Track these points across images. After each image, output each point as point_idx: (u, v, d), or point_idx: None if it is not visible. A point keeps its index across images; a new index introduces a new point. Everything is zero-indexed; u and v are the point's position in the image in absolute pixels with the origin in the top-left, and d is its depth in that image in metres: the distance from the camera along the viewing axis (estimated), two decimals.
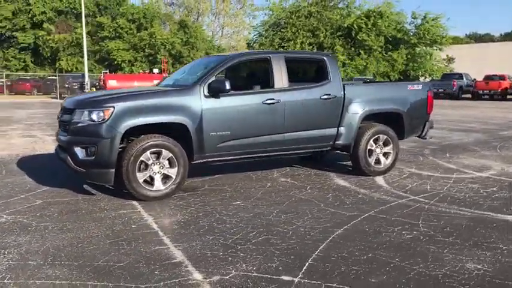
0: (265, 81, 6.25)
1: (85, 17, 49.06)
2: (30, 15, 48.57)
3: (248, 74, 7.43)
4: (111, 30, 48.11)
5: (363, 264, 3.54)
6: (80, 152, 5.14)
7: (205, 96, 5.61)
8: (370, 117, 6.88)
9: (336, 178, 6.70)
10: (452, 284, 3.18)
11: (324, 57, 6.64)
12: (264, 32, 38.81)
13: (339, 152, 7.10)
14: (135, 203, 5.32)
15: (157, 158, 5.40)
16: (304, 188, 6.09)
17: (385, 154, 6.93)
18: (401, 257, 3.68)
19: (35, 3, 48.41)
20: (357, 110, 6.61)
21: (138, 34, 47.36)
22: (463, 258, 3.66)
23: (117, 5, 52.38)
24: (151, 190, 5.35)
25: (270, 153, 6.24)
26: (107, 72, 35.50)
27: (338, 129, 6.55)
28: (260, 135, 6.04)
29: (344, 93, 6.52)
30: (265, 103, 5.98)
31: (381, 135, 6.82)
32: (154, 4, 55.56)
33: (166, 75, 35.69)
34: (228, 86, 5.55)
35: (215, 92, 5.61)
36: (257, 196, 5.65)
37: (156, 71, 36.04)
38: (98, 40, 48.69)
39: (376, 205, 5.23)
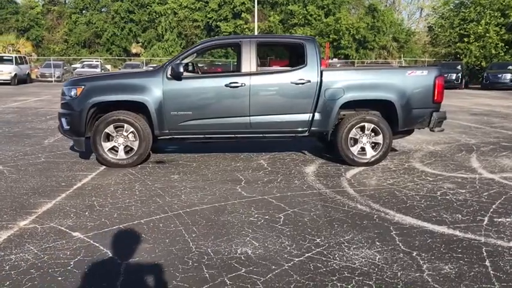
0: (235, 66, 6.55)
1: (279, 5, 52.31)
2: (232, 6, 53.83)
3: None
4: (300, 17, 50.09)
5: None
6: (64, 121, 6.38)
7: (168, 79, 6.27)
8: (357, 105, 6.54)
9: (311, 166, 6.56)
10: None
11: (303, 41, 6.55)
12: (445, 13, 35.56)
13: None
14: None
15: (126, 131, 6.31)
16: (262, 171, 6.23)
17: (375, 144, 6.52)
18: None
19: None
20: (335, 96, 6.38)
21: (325, 20, 48.27)
22: None
23: None
24: (114, 158, 6.31)
25: (237, 135, 6.54)
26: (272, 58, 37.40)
27: (313, 115, 6.44)
28: (223, 117, 6.41)
29: (321, 79, 6.38)
30: (229, 86, 6.31)
31: (366, 124, 6.44)
32: None
33: (328, 61, 35.96)
34: (181, 69, 6.11)
35: (174, 74, 6.23)
36: (203, 173, 6.10)
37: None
38: (289, 27, 51.28)
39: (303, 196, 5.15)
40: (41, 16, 53.36)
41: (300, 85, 6.33)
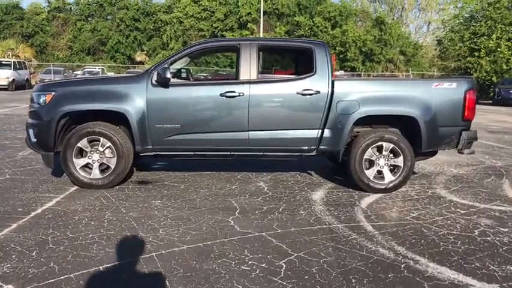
0: (233, 72, 5.61)
1: (285, 16, 51.69)
2: (238, 16, 53.18)
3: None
4: (306, 28, 49.41)
5: None
6: (31, 133, 5.45)
7: (153, 85, 5.34)
8: (374, 121, 5.58)
9: (319, 191, 5.59)
10: None
11: (312, 46, 5.60)
12: (455, 27, 34.67)
13: None
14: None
15: (102, 146, 5.39)
16: (261, 197, 5.27)
17: (394, 168, 5.53)
18: None
19: (243, 5, 52.78)
20: (348, 110, 5.42)
21: (332, 32, 47.61)
22: None
23: (317, 4, 53.46)
24: (87, 177, 5.35)
25: (233, 153, 5.58)
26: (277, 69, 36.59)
27: (322, 132, 5.48)
28: (217, 132, 5.47)
29: (332, 89, 5.42)
30: (225, 96, 5.37)
31: (385, 144, 5.46)
32: (357, 1, 55.28)
33: (335, 73, 35.05)
34: (168, 75, 5.17)
35: (160, 81, 5.29)
36: (191, 198, 5.13)
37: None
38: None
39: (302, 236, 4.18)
40: (46, 22, 52.81)
41: (308, 96, 5.38)
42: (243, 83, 5.41)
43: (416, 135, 5.49)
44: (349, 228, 4.24)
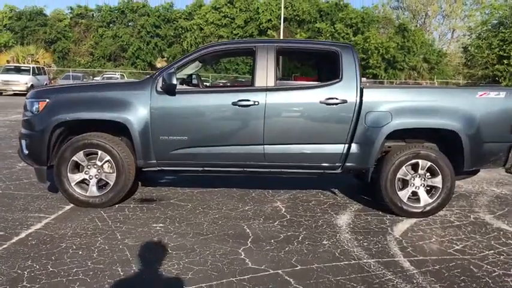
0: (249, 78, 4.98)
1: (306, 23, 51.09)
2: (258, 23, 52.75)
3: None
4: (328, 35, 48.69)
5: None
6: (23, 144, 4.90)
7: (157, 93, 4.74)
8: (407, 134, 4.87)
9: (345, 214, 4.90)
10: None
11: (338, 49, 4.93)
12: (482, 33, 33.51)
13: None
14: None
15: (100, 160, 4.82)
16: (278, 221, 4.61)
17: (431, 189, 4.81)
18: None
19: (263, 12, 52.37)
20: (379, 122, 4.72)
21: (353, 39, 46.83)
22: None
23: (338, 10, 52.75)
24: (83, 195, 4.77)
25: (246, 169, 4.93)
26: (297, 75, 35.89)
27: (349, 147, 4.79)
28: (229, 145, 4.84)
29: (360, 98, 4.73)
30: (238, 105, 4.73)
31: (421, 161, 4.75)
32: (380, 8, 54.53)
33: None
34: (174, 81, 4.56)
35: (166, 88, 4.68)
36: (198, 221, 4.49)
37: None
38: None
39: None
40: (68, 29, 53.29)
41: (333, 106, 4.70)
42: (259, 90, 4.77)
43: (458, 151, 4.76)
44: (383, 264, 3.54)
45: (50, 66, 38.99)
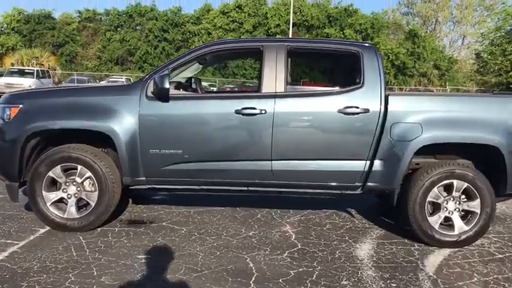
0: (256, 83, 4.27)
1: (314, 28, 50.47)
2: (266, 28, 52.18)
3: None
4: None
5: None
6: None
7: (148, 98, 4.05)
8: (438, 149, 4.13)
9: (365, 242, 4.16)
10: None
11: (358, 50, 4.21)
12: (495, 40, 32.64)
13: None
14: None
15: (80, 176, 4.15)
16: (288, 252, 3.89)
17: (466, 214, 4.07)
18: None
19: (271, 17, 51.83)
20: (407, 135, 4.00)
21: None
22: None
23: (347, 16, 52.10)
24: (60, 217, 4.08)
25: (250, 188, 4.22)
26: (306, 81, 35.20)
27: (371, 164, 4.07)
28: (231, 161, 4.13)
29: (385, 107, 4.01)
30: (242, 113, 4.03)
31: (456, 182, 4.01)
32: (389, 14, 53.90)
33: None
34: (166, 84, 3.86)
35: (157, 92, 3.99)
36: (192, 251, 3.77)
37: None
38: None
39: None
40: (76, 32, 53.09)
41: (352, 116, 3.99)
42: (266, 96, 4.07)
43: (498, 170, 4.01)
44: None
45: (55, 70, 38.54)
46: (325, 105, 4.10)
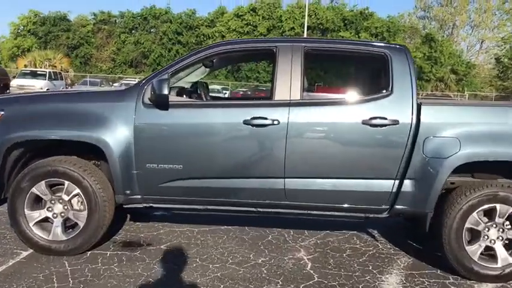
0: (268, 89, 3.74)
1: (329, 31, 49.86)
2: (281, 31, 51.71)
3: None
4: None
5: None
6: None
7: (145, 105, 3.55)
8: (477, 167, 3.56)
9: (392, 273, 3.59)
10: None
11: (386, 51, 3.66)
12: None
13: None
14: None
15: (67, 193, 3.65)
16: (303, 286, 3.35)
17: (510, 243, 3.50)
18: None
19: (286, 20, 51.38)
20: (443, 151, 3.44)
21: None
22: None
23: (363, 19, 51.44)
24: (44, 239, 3.59)
25: (260, 210, 3.68)
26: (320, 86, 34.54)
27: (400, 183, 3.51)
28: (238, 178, 3.59)
29: (417, 118, 3.45)
30: (251, 124, 3.50)
31: (499, 206, 3.43)
32: (406, 17, 53.20)
33: None
34: (165, 90, 3.36)
35: (155, 99, 3.48)
36: (192, 282, 3.26)
37: None
38: None
39: None
40: (91, 34, 53.20)
41: (379, 128, 3.44)
42: (280, 105, 3.54)
43: None
44: None
45: (68, 71, 38.47)
46: (348, 115, 3.56)
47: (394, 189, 3.57)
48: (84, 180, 3.56)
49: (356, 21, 47.61)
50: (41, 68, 32.14)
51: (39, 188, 3.59)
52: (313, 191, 3.61)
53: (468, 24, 56.53)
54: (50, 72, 26.82)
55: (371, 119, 3.51)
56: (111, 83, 37.04)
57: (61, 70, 32.80)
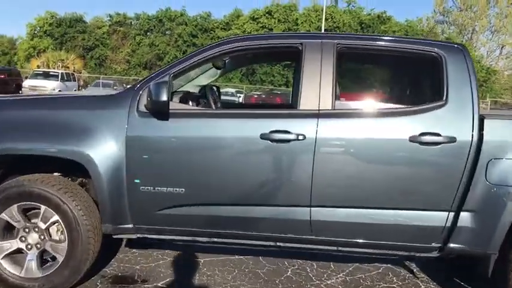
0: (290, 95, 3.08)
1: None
2: None
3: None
4: None
5: None
6: None
7: (139, 114, 2.86)
8: None
9: None
10: None
11: (441, 53, 2.92)
12: None
13: None
14: None
15: (44, 220, 3.00)
16: None
17: None
18: None
19: (302, 23, 50.72)
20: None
21: None
22: None
23: (380, 23, 50.60)
24: (15, 275, 2.93)
25: (280, 245, 2.97)
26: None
27: (456, 216, 2.78)
28: (252, 205, 2.89)
29: (479, 134, 2.71)
30: (270, 139, 2.79)
31: None
32: (424, 22, 52.37)
33: None
34: (164, 97, 2.67)
35: (152, 106, 2.79)
36: None
37: None
38: None
39: None
40: (106, 36, 53.18)
41: (431, 147, 2.72)
42: (306, 115, 2.84)
43: None
44: None
45: (81, 72, 38.24)
46: (391, 130, 2.83)
47: (448, 224, 2.84)
48: (64, 205, 2.89)
49: (373, 25, 46.77)
50: (53, 68, 31.88)
51: (10, 213, 2.94)
52: (345, 224, 2.90)
53: (488, 29, 55.36)
54: (62, 73, 26.49)
55: (420, 135, 2.79)
56: (124, 85, 36.70)
57: (74, 71, 32.48)
